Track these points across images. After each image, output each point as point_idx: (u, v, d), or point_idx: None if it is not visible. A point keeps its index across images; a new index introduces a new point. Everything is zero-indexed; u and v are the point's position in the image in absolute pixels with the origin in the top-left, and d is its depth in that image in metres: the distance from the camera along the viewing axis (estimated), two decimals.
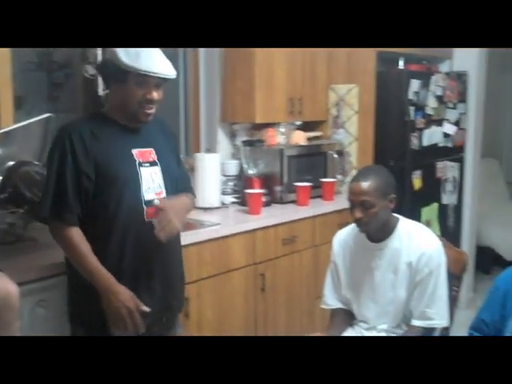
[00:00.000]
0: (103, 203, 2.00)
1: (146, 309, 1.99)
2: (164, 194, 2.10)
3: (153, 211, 2.04)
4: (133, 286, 2.02)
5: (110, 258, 2.01)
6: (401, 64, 4.00)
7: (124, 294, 1.97)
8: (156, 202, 2.06)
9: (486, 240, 5.19)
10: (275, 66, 3.58)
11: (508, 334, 2.12)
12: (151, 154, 2.11)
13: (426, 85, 3.96)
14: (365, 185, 2.20)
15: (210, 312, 2.86)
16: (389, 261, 2.32)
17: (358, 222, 2.26)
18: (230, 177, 3.57)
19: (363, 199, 2.20)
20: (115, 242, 2.02)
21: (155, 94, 2.02)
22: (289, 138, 3.68)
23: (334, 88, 4.02)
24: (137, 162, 2.06)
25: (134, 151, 2.07)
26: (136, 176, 2.04)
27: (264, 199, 3.37)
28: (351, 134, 3.98)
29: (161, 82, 2.03)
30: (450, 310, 2.36)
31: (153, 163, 2.10)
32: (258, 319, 3.16)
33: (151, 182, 2.08)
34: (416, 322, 2.29)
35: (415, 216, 3.38)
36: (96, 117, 2.13)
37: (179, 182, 2.24)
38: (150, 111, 2.05)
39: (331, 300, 2.49)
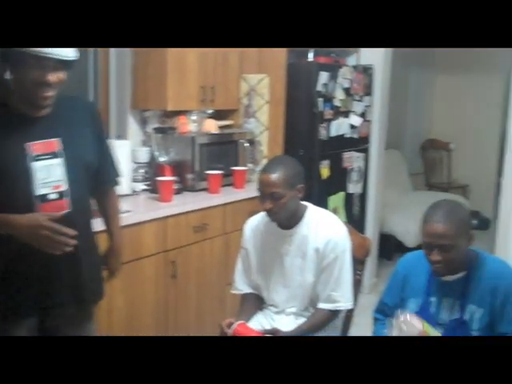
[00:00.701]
0: None
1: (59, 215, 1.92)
2: (64, 188, 1.97)
3: (49, 206, 1.94)
4: (39, 280, 1.96)
5: (12, 252, 1.94)
6: (310, 56, 4.10)
7: (33, 216, 1.89)
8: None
9: (388, 228, 5.40)
10: (187, 54, 3.57)
11: None
12: (54, 144, 1.97)
13: (334, 77, 4.06)
14: (274, 176, 2.25)
15: (121, 299, 2.85)
16: (297, 246, 2.39)
17: (268, 211, 2.31)
18: (141, 164, 3.54)
19: (272, 190, 2.25)
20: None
21: (51, 77, 1.88)
22: (200, 126, 3.69)
23: (246, 78, 4.07)
24: (28, 156, 1.92)
25: (28, 144, 1.93)
26: (25, 171, 1.91)
27: (175, 187, 3.38)
28: (262, 124, 4.04)
29: (59, 64, 1.89)
30: (354, 292, 2.46)
31: (54, 155, 1.97)
32: (169, 306, 3.17)
33: (47, 176, 1.95)
34: (322, 305, 2.37)
35: (323, 204, 3.48)
36: None
37: (100, 172, 2.14)
38: (46, 94, 1.91)
39: (242, 285, 2.54)
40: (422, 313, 2.20)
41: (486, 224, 6.38)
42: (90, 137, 2.12)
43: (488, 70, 6.58)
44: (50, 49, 1.84)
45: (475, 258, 2.20)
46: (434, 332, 2.08)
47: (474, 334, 2.13)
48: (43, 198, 1.94)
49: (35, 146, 1.94)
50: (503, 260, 2.33)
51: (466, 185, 6.92)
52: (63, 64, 1.91)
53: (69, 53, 1.90)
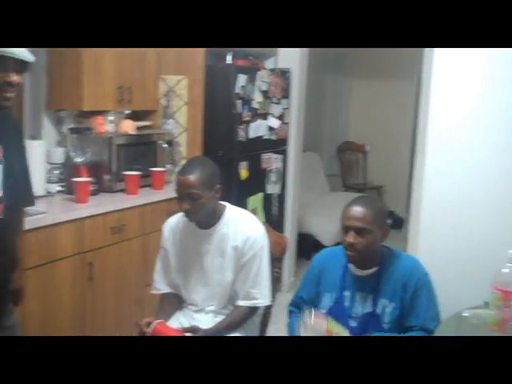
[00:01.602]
0: None
1: None
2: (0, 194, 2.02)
3: None
4: None
5: None
6: (228, 59, 4.13)
7: None
8: None
9: (307, 228, 5.52)
10: (104, 54, 3.52)
11: (322, 309, 2.32)
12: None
13: (252, 80, 4.11)
14: (191, 177, 2.26)
15: (35, 303, 2.76)
16: (217, 245, 2.41)
17: (186, 212, 2.32)
18: (56, 165, 3.45)
19: (190, 191, 2.26)
20: None
21: (16, 77, 1.95)
22: (118, 126, 3.65)
23: (164, 78, 4.05)
24: None
25: None
26: None
27: (92, 188, 3.32)
28: (181, 125, 4.03)
29: (21, 65, 1.96)
30: (273, 290, 2.49)
31: None
32: (87, 308, 3.11)
33: None
34: (241, 302, 2.40)
35: (242, 204, 3.51)
36: None
37: (18, 181, 2.16)
38: (9, 95, 1.97)
39: (161, 285, 2.53)
40: (337, 306, 2.28)
41: (399, 223, 6.62)
42: (19, 147, 2.16)
43: (400, 75, 6.85)
44: (15, 49, 1.89)
45: (388, 253, 2.30)
46: (340, 330, 2.15)
47: (385, 326, 2.22)
48: None
49: None
50: (414, 257, 2.45)
51: (380, 186, 7.16)
52: (24, 65, 1.98)
53: (29, 54, 1.96)
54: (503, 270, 2.08)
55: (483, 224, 2.73)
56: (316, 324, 2.09)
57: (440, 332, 2.11)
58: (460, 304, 2.16)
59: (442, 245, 2.79)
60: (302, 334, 2.11)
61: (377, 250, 2.27)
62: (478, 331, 1.91)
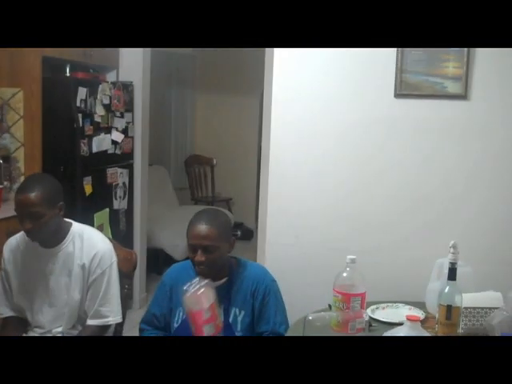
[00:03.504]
0: None
1: None
2: None
3: None
4: None
5: None
6: (67, 71, 4.00)
7: None
8: None
9: (157, 242, 5.47)
10: None
11: (175, 325, 2.30)
12: None
13: (93, 93, 4.01)
14: (31, 196, 2.17)
15: None
16: (62, 264, 2.33)
17: (28, 232, 2.22)
18: None
19: (31, 210, 2.17)
20: None
21: None
22: None
23: None
24: None
25: None
26: None
27: None
28: (17, 139, 3.82)
29: None
30: (123, 307, 2.45)
31: None
32: None
33: None
34: (91, 321, 2.34)
35: (88, 221, 3.40)
36: None
37: None
38: None
39: (2, 309, 2.41)
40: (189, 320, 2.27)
41: (249, 234, 6.77)
42: None
43: (245, 90, 7.03)
44: None
45: (236, 264, 2.34)
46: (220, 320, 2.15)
47: (238, 334, 2.25)
48: None
49: None
50: (261, 265, 2.51)
51: (229, 198, 7.27)
52: None
53: None
54: (343, 274, 2.19)
55: (323, 231, 2.87)
56: (197, 301, 2.05)
57: (289, 335, 2.19)
58: (306, 308, 2.25)
59: (286, 253, 2.90)
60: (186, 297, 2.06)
61: (225, 262, 2.30)
62: (323, 332, 1.99)
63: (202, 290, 2.06)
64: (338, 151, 2.84)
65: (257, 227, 3.47)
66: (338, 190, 2.85)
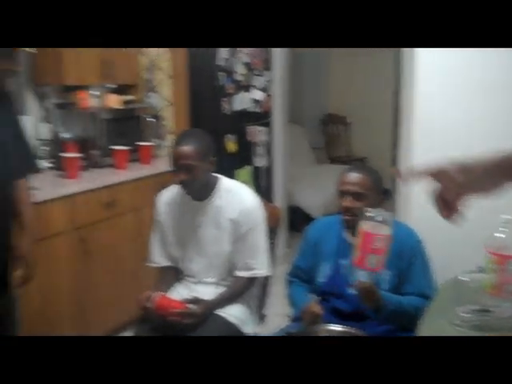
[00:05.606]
0: None
1: None
2: None
3: None
4: None
5: None
6: None
7: None
8: None
9: (295, 200, 5.49)
10: None
11: (319, 279, 2.31)
12: None
13: (233, 51, 4.05)
14: (187, 149, 2.25)
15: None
16: (211, 217, 2.39)
17: (181, 183, 2.30)
18: (44, 141, 3.39)
19: (186, 162, 2.24)
20: None
21: None
22: (102, 101, 3.59)
23: (145, 52, 3.98)
24: None
25: None
26: None
27: (81, 163, 3.27)
28: (165, 98, 3.97)
29: None
30: (270, 261, 2.49)
31: None
32: (82, 284, 3.09)
33: None
34: (240, 273, 2.39)
35: (231, 178, 3.48)
36: None
37: (14, 159, 2.12)
38: None
39: (158, 258, 2.52)
40: (335, 275, 2.28)
41: (387, 194, 6.62)
42: (6, 124, 2.12)
43: (378, 51, 6.79)
44: None
45: None
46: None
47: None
48: None
49: None
50: (407, 225, 2.45)
51: (364, 157, 7.16)
52: None
53: None
54: (496, 235, 2.08)
55: None
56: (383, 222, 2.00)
57: (439, 297, 2.12)
58: (452, 270, 2.17)
59: (432, 212, 2.80)
60: None
61: None
62: (476, 294, 1.91)
63: (382, 218, 2.00)
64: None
65: (394, 187, 3.38)
66: (487, 144, 2.69)
